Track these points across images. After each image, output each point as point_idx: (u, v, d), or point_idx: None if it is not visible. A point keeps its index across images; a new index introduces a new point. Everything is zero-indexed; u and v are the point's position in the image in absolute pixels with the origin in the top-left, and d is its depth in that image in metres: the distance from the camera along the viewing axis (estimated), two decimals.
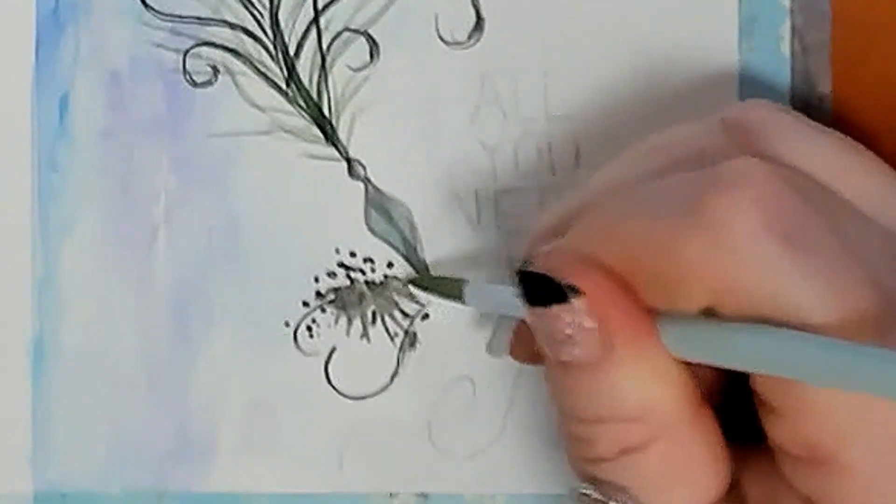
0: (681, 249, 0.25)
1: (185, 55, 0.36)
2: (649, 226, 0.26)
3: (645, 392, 0.27)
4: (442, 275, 0.35)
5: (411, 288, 0.35)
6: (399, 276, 0.36)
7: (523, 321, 0.29)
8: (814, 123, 0.31)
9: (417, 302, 0.36)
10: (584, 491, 0.28)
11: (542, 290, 0.27)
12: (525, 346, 0.32)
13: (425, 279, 0.35)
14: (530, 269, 0.27)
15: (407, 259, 0.36)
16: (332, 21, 0.36)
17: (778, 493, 0.27)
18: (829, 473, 0.25)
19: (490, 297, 0.33)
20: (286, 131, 0.36)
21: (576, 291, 0.26)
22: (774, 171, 0.26)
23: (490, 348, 0.34)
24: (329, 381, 0.36)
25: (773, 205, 0.25)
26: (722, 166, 0.26)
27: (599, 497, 0.28)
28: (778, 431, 0.26)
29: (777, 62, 0.34)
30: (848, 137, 0.30)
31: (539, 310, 0.27)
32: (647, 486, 0.27)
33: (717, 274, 0.25)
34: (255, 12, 0.36)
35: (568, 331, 0.27)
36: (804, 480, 0.26)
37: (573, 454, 0.29)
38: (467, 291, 0.33)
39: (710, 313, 0.26)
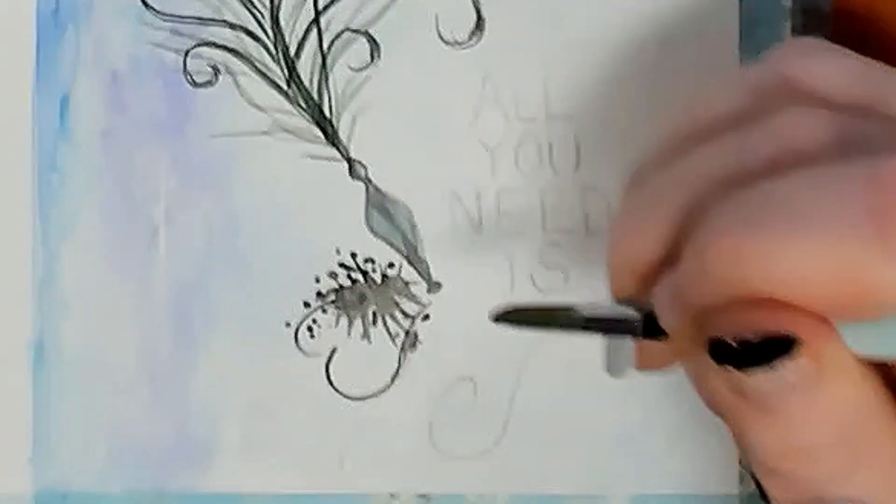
0: (872, 275, 0.23)
1: (185, 55, 0.36)
2: (829, 248, 0.23)
3: (858, 400, 0.25)
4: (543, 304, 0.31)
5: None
6: (403, 278, 0.36)
7: None
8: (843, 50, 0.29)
9: (419, 302, 0.36)
10: None
11: (749, 350, 0.24)
12: (656, 355, 0.29)
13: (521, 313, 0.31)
14: (738, 338, 0.25)
15: (408, 259, 0.36)
16: (333, 21, 0.36)
17: None
18: None
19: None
20: (287, 131, 0.36)
21: (793, 340, 0.24)
22: None
23: (610, 369, 0.30)
24: (330, 382, 0.36)
25: None
26: (881, 166, 0.24)
27: None
28: None
29: None
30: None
31: (757, 370, 0.24)
32: (867, 495, 0.26)
33: None
34: (256, 12, 0.36)
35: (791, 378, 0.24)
36: None
37: (782, 494, 0.27)
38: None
39: None
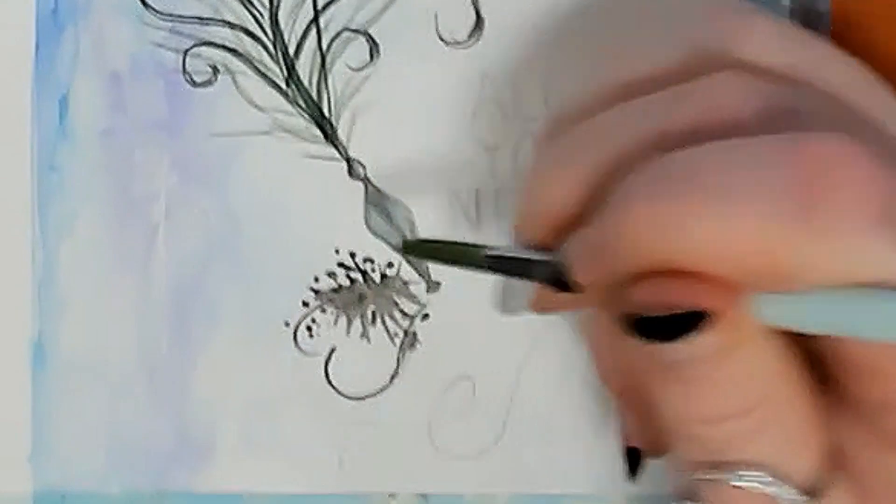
0: (794, 251, 0.23)
1: (185, 55, 0.36)
2: (750, 222, 0.23)
3: (766, 369, 0.25)
4: (451, 239, 0.32)
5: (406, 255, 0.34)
6: (402, 276, 0.36)
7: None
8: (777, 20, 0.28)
9: (418, 302, 0.36)
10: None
11: (660, 324, 0.25)
12: (552, 299, 0.29)
13: (428, 246, 0.32)
14: (648, 313, 0.25)
15: (407, 259, 0.36)
16: (332, 21, 0.36)
17: (881, 451, 0.26)
18: None
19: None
20: (286, 131, 0.36)
21: (704, 315, 0.24)
22: (864, 150, 0.24)
23: (504, 307, 0.31)
24: (329, 381, 0.36)
25: (881, 190, 0.23)
26: (810, 143, 0.24)
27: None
28: (880, 390, 0.25)
29: None
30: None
31: (667, 345, 0.25)
32: (769, 457, 0.26)
33: (835, 272, 0.23)
34: (255, 12, 0.36)
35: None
36: None
37: (692, 455, 0.27)
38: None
39: None
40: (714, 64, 0.26)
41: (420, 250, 0.32)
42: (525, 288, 0.30)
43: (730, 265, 0.24)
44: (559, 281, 0.27)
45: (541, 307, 0.30)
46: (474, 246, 0.30)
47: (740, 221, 0.23)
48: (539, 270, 0.28)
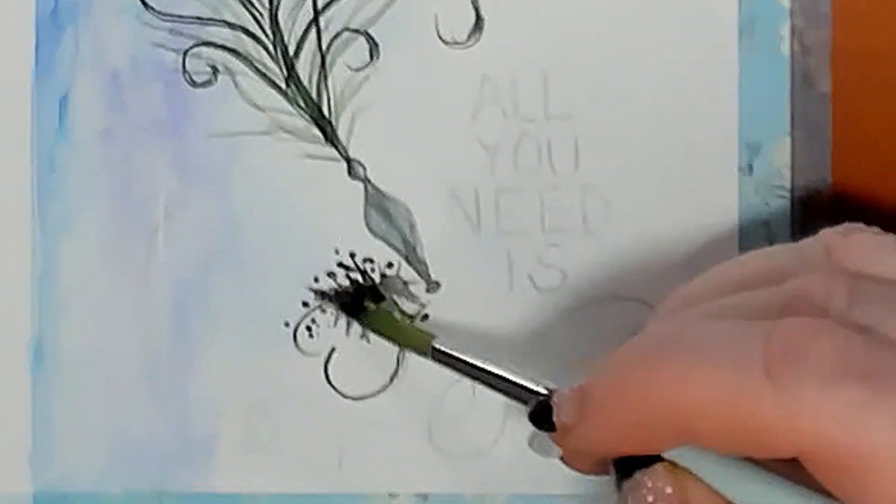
0: (758, 411, 0.25)
1: (185, 55, 0.36)
2: (717, 378, 0.26)
3: None
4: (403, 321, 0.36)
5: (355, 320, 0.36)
6: (400, 277, 0.36)
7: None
8: None
9: (418, 302, 0.36)
10: None
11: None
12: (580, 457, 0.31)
13: (382, 320, 0.36)
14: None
15: (407, 259, 0.36)
16: (332, 21, 0.36)
17: None
18: None
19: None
20: (286, 131, 0.36)
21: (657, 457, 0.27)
22: (828, 323, 0.26)
23: (535, 447, 0.31)
24: (329, 382, 0.36)
25: (841, 351, 0.26)
26: (777, 323, 0.26)
27: None
28: None
29: (777, 62, 0.34)
30: None
31: (627, 482, 0.28)
32: None
33: (799, 433, 0.25)
34: (255, 12, 0.36)
35: (650, 498, 0.27)
36: None
37: None
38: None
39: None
40: (814, 266, 0.29)
41: (374, 323, 0.35)
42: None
43: (709, 421, 0.26)
44: (541, 415, 0.29)
45: (570, 460, 0.31)
46: (427, 334, 0.33)
47: (719, 381, 0.26)
48: (525, 397, 0.30)
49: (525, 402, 0.30)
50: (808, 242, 0.30)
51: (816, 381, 0.25)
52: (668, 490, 0.27)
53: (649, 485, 0.27)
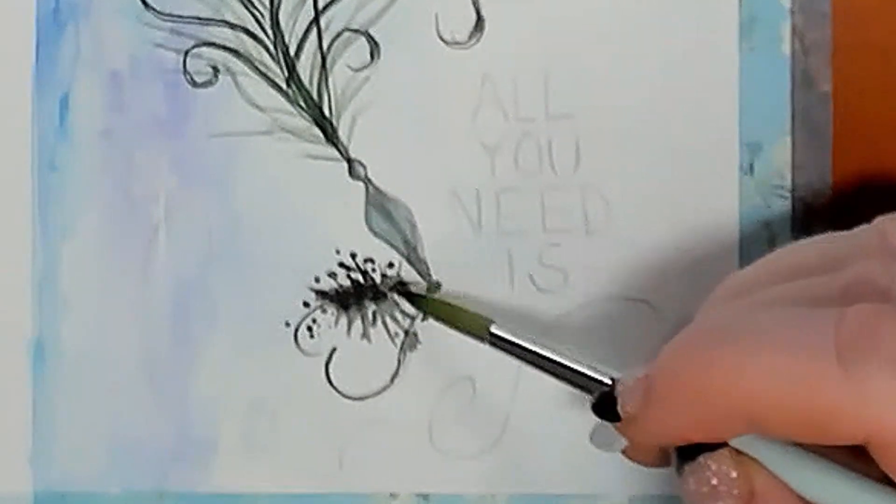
0: (827, 395, 0.26)
1: (185, 55, 0.36)
2: (786, 364, 0.26)
3: None
4: (462, 306, 0.35)
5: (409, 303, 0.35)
6: (409, 284, 0.36)
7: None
8: None
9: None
10: None
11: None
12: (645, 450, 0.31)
13: (438, 306, 0.35)
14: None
15: (407, 259, 0.36)
16: (333, 21, 0.36)
17: None
18: None
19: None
20: (286, 131, 0.36)
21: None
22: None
23: (594, 438, 0.31)
24: (329, 382, 0.36)
25: None
26: (848, 312, 0.26)
27: None
28: None
29: (777, 62, 0.34)
30: None
31: (689, 465, 0.28)
32: None
33: (868, 418, 0.25)
34: (256, 12, 0.36)
35: (714, 481, 0.27)
36: None
37: None
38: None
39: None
40: (870, 252, 0.29)
41: (432, 308, 0.35)
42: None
43: (774, 408, 0.26)
44: (605, 407, 0.29)
45: (634, 454, 0.31)
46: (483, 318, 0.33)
47: (787, 367, 0.26)
48: (586, 384, 0.30)
49: (584, 389, 0.30)
50: (862, 229, 0.30)
51: (888, 367, 0.25)
52: (733, 474, 0.27)
53: (714, 468, 0.27)
